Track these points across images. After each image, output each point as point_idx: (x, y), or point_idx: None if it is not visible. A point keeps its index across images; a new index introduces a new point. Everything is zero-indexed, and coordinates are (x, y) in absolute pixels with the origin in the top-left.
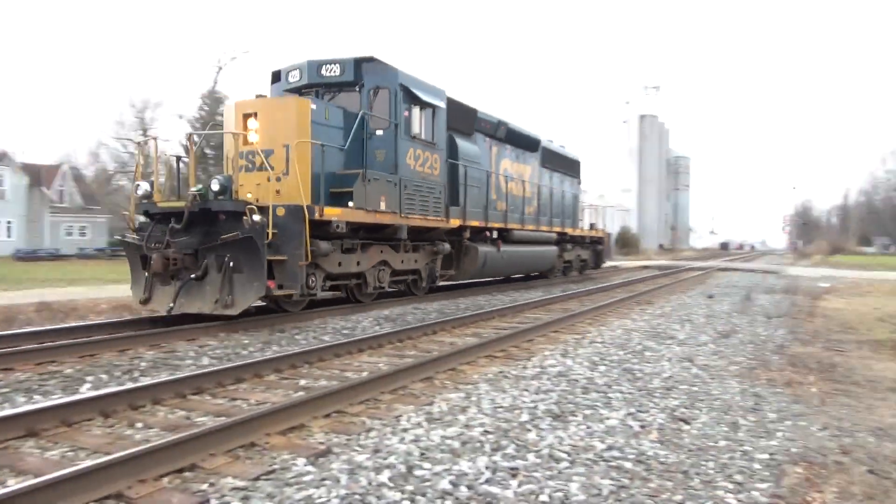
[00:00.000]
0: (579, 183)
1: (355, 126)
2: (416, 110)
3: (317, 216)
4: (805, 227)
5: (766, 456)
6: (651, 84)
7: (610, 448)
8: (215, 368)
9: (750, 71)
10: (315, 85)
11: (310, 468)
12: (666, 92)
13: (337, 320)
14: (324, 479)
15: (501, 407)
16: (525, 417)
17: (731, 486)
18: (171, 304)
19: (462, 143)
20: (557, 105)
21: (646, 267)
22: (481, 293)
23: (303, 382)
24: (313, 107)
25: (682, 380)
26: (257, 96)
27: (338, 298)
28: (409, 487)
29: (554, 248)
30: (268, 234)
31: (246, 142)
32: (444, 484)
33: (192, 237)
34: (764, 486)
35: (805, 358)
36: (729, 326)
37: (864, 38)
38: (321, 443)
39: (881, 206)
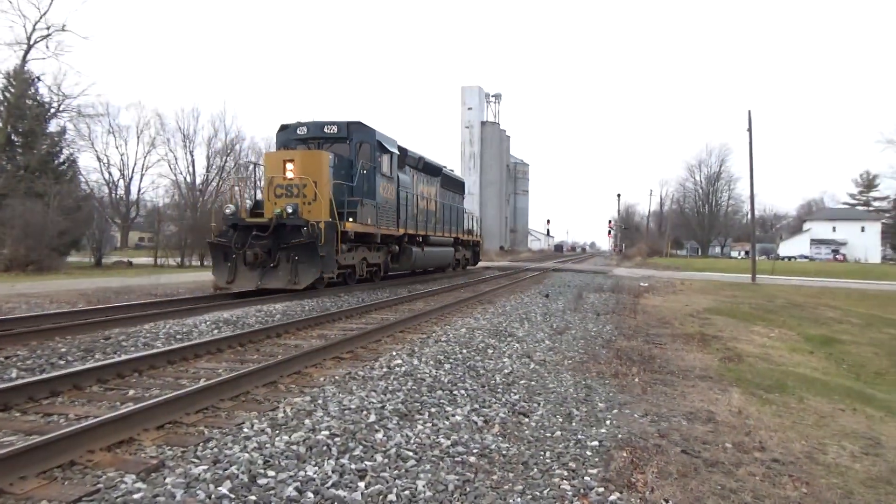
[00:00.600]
0: (463, 198)
1: (358, 169)
2: (384, 156)
3: (342, 228)
4: (627, 231)
5: (596, 443)
6: (493, 92)
7: (455, 444)
8: (25, 381)
9: (583, 85)
10: (317, 138)
11: (140, 485)
12: (507, 100)
13: (170, 325)
14: (156, 496)
15: (349, 409)
16: (373, 418)
17: (566, 473)
18: (259, 283)
19: (401, 175)
20: (406, 111)
21: (487, 268)
22: (399, 285)
23: (132, 393)
24: (330, 157)
25: (521, 375)
26: (290, 149)
27: (335, 283)
28: (252, 497)
29: (452, 250)
30: (320, 239)
31: (285, 178)
32: (290, 491)
33: (268, 241)
34: (595, 471)
35: (629, 351)
36: (563, 323)
37: (684, 57)
38: (153, 457)
39: (690, 213)
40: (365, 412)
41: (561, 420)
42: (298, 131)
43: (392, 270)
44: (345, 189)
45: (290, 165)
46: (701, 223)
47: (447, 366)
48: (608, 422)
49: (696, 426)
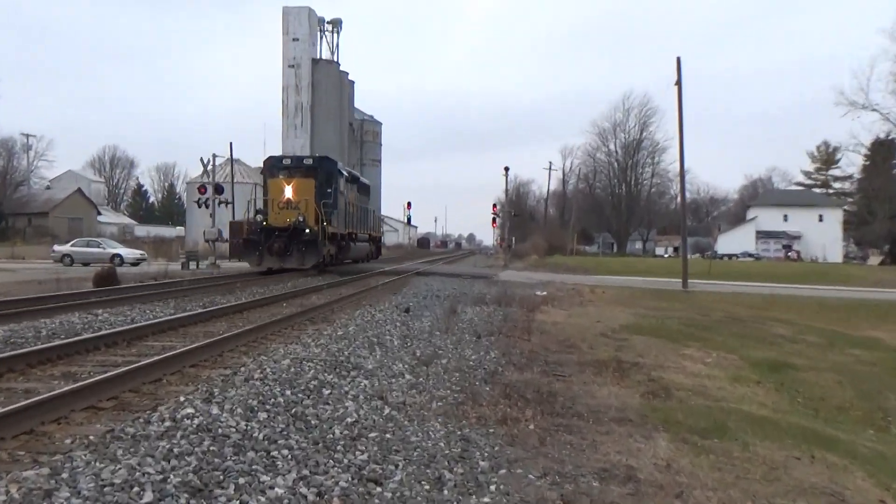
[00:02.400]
0: (369, 199)
1: (332, 189)
2: (341, 179)
3: (328, 230)
4: (519, 219)
5: None
6: (329, 17)
7: None
8: None
9: (454, 8)
10: (297, 167)
11: None
12: (350, 30)
13: None
14: None
15: (111, 484)
16: (148, 497)
17: None
18: (281, 264)
19: (344, 189)
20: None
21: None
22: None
23: None
24: (314, 182)
25: (371, 425)
26: (276, 175)
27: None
28: None
29: (368, 244)
30: (318, 237)
31: (286, 198)
32: None
33: (286, 238)
34: None
35: (521, 386)
36: (430, 350)
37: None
38: None
39: (602, 195)
40: (137, 489)
41: (427, 488)
42: (283, 162)
43: (336, 261)
44: (324, 204)
45: (288, 189)
46: (616, 208)
47: (263, 415)
48: (493, 487)
49: (611, 488)
